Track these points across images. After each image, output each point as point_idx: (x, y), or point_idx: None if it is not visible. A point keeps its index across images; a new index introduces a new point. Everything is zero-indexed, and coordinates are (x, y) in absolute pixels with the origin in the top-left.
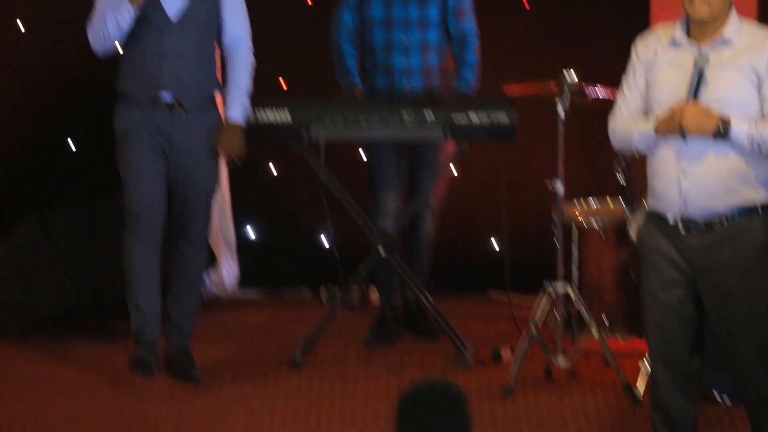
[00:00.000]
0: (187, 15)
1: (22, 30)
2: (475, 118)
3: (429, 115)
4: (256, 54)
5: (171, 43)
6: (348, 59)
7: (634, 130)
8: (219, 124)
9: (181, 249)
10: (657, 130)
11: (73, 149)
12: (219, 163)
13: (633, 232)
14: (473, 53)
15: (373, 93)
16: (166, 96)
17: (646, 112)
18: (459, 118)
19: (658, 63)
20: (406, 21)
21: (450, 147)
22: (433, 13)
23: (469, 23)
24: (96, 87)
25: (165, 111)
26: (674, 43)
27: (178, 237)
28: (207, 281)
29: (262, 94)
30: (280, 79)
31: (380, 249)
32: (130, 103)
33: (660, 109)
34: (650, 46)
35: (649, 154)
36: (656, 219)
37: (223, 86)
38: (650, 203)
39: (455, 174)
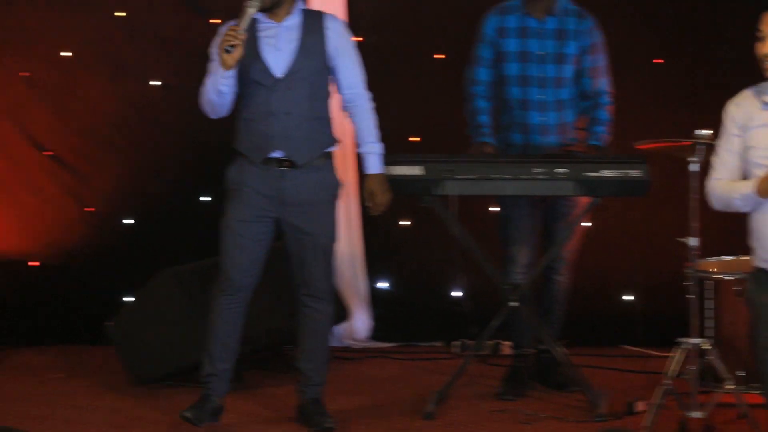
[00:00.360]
0: (292, 71)
1: (158, 88)
2: (608, 172)
3: (562, 170)
4: (388, 109)
5: (278, 100)
6: (481, 116)
7: (735, 192)
8: (333, 181)
9: (306, 303)
10: (758, 192)
11: (206, 205)
12: (335, 217)
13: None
14: (606, 111)
15: (507, 149)
16: (277, 154)
17: (744, 174)
18: (592, 173)
19: (753, 125)
20: (542, 79)
21: (584, 200)
22: (569, 71)
23: (603, 82)
24: (227, 145)
25: (276, 169)
26: (766, 105)
27: (302, 291)
28: (340, 332)
29: (394, 148)
30: (412, 137)
31: (513, 301)
32: (243, 162)
33: (759, 171)
34: (743, 108)
35: (751, 214)
36: (763, 275)
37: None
38: (757, 261)
39: (589, 227)
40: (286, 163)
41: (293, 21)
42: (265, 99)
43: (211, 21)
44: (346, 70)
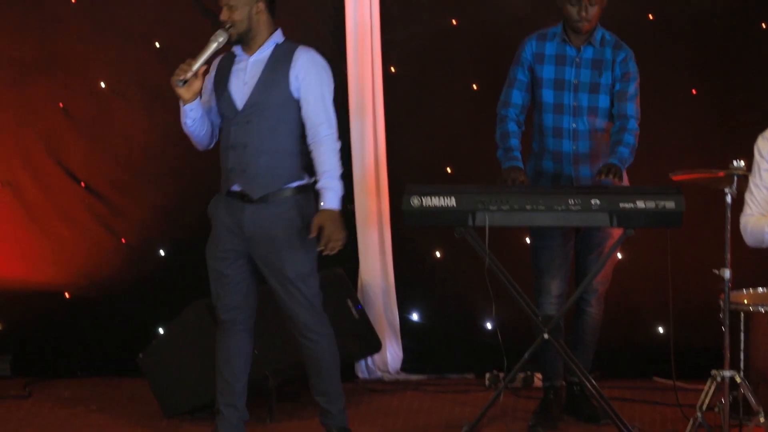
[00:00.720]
0: (250, 104)
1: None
2: (642, 204)
3: (595, 201)
4: (421, 139)
5: (237, 133)
6: (512, 139)
7: (766, 226)
8: (294, 215)
9: (296, 337)
10: None
11: None
12: (304, 251)
13: None
14: (633, 137)
15: (538, 176)
16: (235, 188)
17: None
18: (627, 205)
19: None
20: (576, 108)
21: (617, 231)
22: (604, 101)
23: (631, 107)
24: None
25: (237, 203)
26: None
27: (289, 325)
28: (371, 364)
29: (427, 179)
30: (445, 167)
31: (544, 333)
32: (218, 197)
33: None
34: None
35: None
36: None
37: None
38: None
39: (621, 258)
40: (246, 197)
41: (263, 54)
42: (227, 132)
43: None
44: (308, 104)
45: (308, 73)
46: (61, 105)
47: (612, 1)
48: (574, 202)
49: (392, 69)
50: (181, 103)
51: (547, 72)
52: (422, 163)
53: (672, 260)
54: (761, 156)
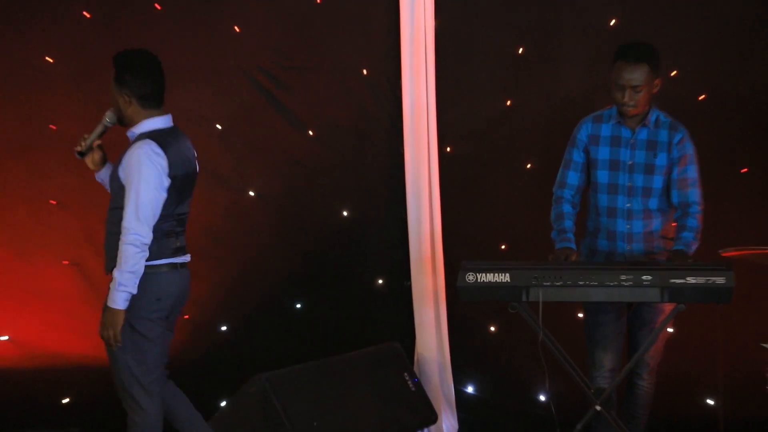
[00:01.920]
0: (112, 188)
1: (252, 198)
2: (692, 279)
3: (647, 277)
4: (477, 217)
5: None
6: (567, 221)
7: None
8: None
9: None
10: None
11: (298, 311)
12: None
13: None
14: (696, 219)
15: (592, 254)
16: None
17: None
18: (678, 281)
19: None
20: (631, 188)
21: (668, 306)
22: (658, 182)
23: (693, 192)
24: (322, 253)
25: None
26: None
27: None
28: None
29: (483, 256)
30: (501, 244)
31: (597, 405)
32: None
33: None
34: None
35: None
36: None
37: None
38: None
39: (672, 333)
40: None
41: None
42: None
43: (310, 132)
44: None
45: (129, 167)
46: None
47: (667, 81)
48: (626, 277)
49: (448, 149)
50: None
51: (603, 153)
52: (477, 241)
53: (722, 334)
54: None
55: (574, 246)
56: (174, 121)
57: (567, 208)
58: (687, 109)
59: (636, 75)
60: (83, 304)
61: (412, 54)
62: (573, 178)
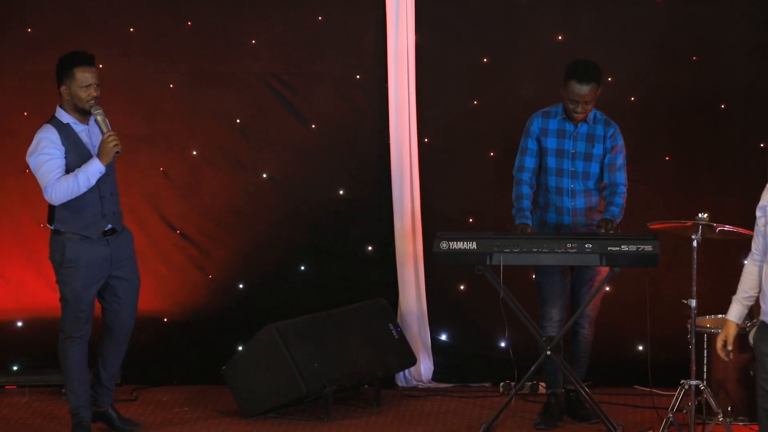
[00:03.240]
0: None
1: (267, 180)
2: (626, 247)
3: (588, 245)
4: (451, 196)
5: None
6: (525, 201)
7: (736, 295)
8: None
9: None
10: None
11: (303, 272)
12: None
13: (751, 338)
14: (621, 198)
15: (543, 225)
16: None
17: None
18: (614, 248)
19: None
20: (573, 172)
21: (605, 269)
22: (595, 168)
23: (620, 175)
24: (323, 225)
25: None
26: None
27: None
28: (408, 375)
29: (455, 227)
30: (469, 218)
31: (548, 350)
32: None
33: None
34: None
35: (763, 279)
36: (764, 328)
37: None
38: (762, 316)
39: (608, 291)
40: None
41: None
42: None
43: (313, 126)
44: None
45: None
46: (161, 169)
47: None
48: (572, 245)
49: (426, 139)
50: (99, 167)
51: (551, 143)
52: (450, 215)
53: (649, 292)
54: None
55: (530, 222)
56: (201, 115)
57: (526, 189)
58: (620, 108)
59: (586, 91)
60: None
61: (397, 63)
62: (530, 162)
